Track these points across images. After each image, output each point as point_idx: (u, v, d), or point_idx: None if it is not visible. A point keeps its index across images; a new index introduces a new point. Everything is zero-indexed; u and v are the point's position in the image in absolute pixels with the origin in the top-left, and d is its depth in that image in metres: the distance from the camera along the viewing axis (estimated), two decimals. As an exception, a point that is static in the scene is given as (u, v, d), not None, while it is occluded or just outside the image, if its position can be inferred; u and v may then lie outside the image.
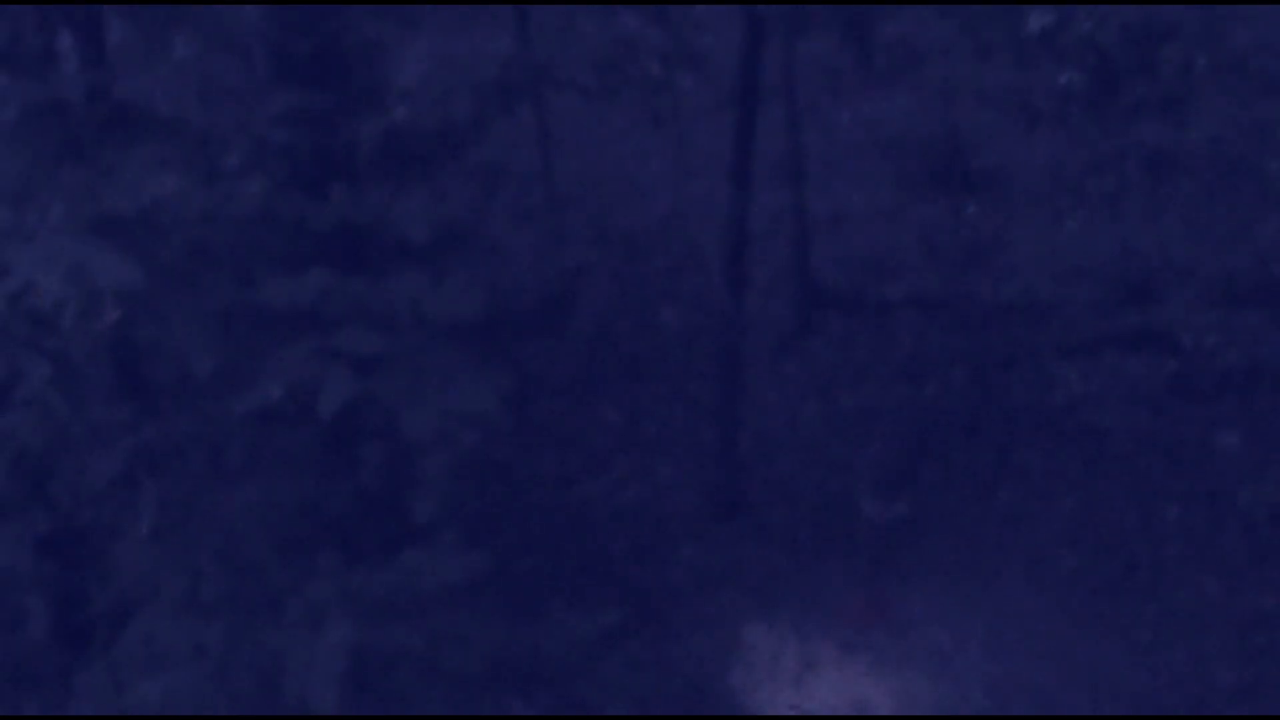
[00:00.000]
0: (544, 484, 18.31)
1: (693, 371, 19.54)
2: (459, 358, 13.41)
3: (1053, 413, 18.50)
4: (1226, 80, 17.86)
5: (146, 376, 14.15)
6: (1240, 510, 17.25)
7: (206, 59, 14.27)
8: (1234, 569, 16.75)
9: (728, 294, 17.28)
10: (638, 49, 20.32)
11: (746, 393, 18.62)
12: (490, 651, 13.77)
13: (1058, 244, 20.18)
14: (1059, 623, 16.38)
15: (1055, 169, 21.70)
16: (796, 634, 16.47)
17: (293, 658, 12.73)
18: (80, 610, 14.64)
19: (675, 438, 18.81)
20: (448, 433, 13.26)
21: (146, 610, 13.26)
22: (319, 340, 13.14)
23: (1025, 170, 21.85)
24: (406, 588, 13.24)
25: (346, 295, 13.24)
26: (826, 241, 21.02)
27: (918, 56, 23.56)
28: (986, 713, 15.60)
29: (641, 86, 20.42)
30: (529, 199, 21.77)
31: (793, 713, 15.79)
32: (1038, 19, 17.07)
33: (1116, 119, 17.79)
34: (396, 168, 14.95)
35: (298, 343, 13.19)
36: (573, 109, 22.66)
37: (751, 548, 17.48)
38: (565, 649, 14.22)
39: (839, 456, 18.38)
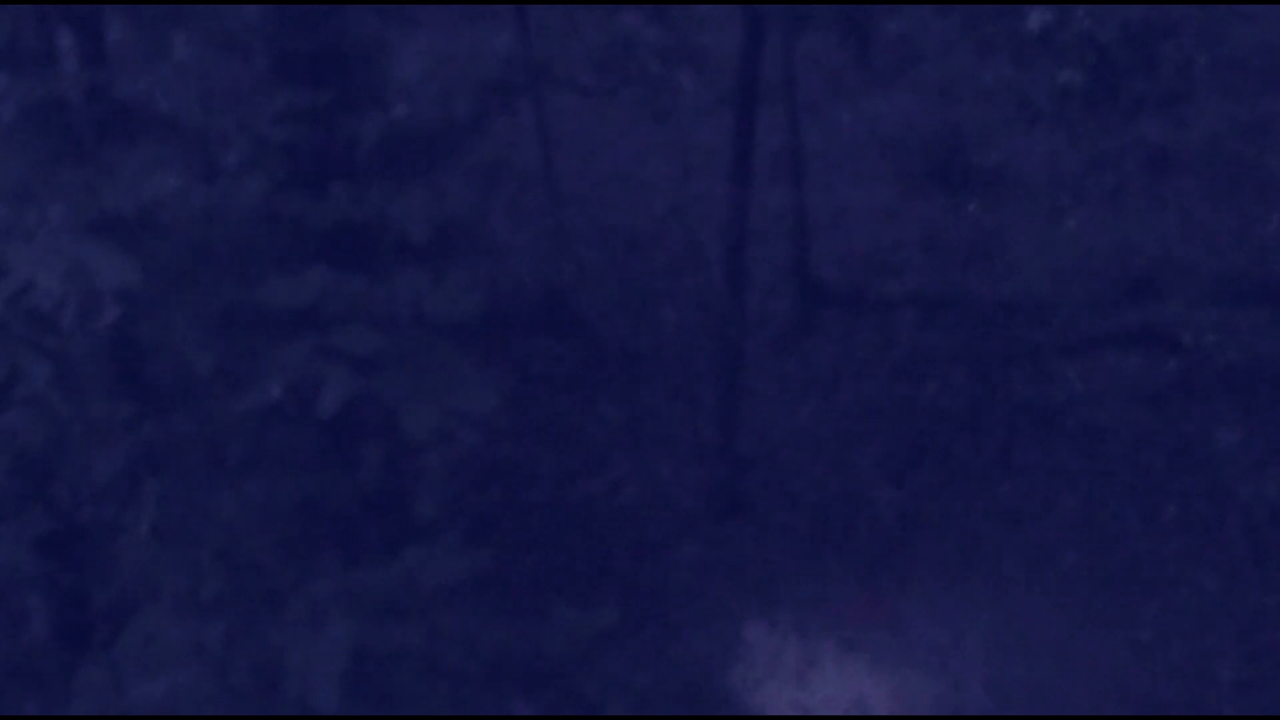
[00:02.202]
0: (544, 482, 18.31)
1: (693, 369, 19.54)
2: (459, 356, 13.40)
3: (1053, 410, 18.51)
4: (1227, 78, 17.89)
5: (147, 375, 14.15)
6: (1241, 508, 17.25)
7: (206, 58, 14.27)
8: (1234, 566, 16.75)
9: (728, 292, 17.28)
10: (638, 47, 20.36)
11: (747, 391, 18.63)
12: (491, 650, 13.77)
13: (1058, 242, 20.19)
14: (1059, 620, 16.38)
15: (1055, 167, 21.70)
16: (797, 632, 16.47)
17: (293, 656, 12.72)
18: (80, 609, 14.64)
19: (675, 436, 18.81)
20: (448, 431, 13.25)
21: (147, 609, 13.25)
22: (319, 339, 13.13)
23: (1025, 168, 21.86)
24: (407, 586, 13.23)
25: (346, 294, 13.23)
26: (826, 239, 21.03)
27: (918, 55, 23.59)
28: (986, 711, 15.61)
29: (641, 84, 20.47)
30: (529, 197, 21.78)
31: (794, 712, 15.79)
32: (1037, 17, 17.08)
33: (1116, 117, 17.80)
34: (396, 166, 14.95)
35: (297, 341, 13.17)
36: (573, 107, 22.68)
37: (752, 545, 17.48)
38: (566, 647, 14.22)
39: (839, 454, 18.38)
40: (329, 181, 13.93)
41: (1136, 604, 16.50)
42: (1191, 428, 18.15)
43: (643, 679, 15.88)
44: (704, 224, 20.71)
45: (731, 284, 17.27)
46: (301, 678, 12.63)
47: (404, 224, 13.59)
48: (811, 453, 18.44)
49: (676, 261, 21.07)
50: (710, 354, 18.84)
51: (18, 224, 12.76)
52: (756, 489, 18.03)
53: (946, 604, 16.64)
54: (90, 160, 13.15)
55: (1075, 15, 16.91)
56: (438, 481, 13.81)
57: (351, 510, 14.09)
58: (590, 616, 14.31)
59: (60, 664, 14.56)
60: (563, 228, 20.86)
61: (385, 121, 14.15)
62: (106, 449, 13.55)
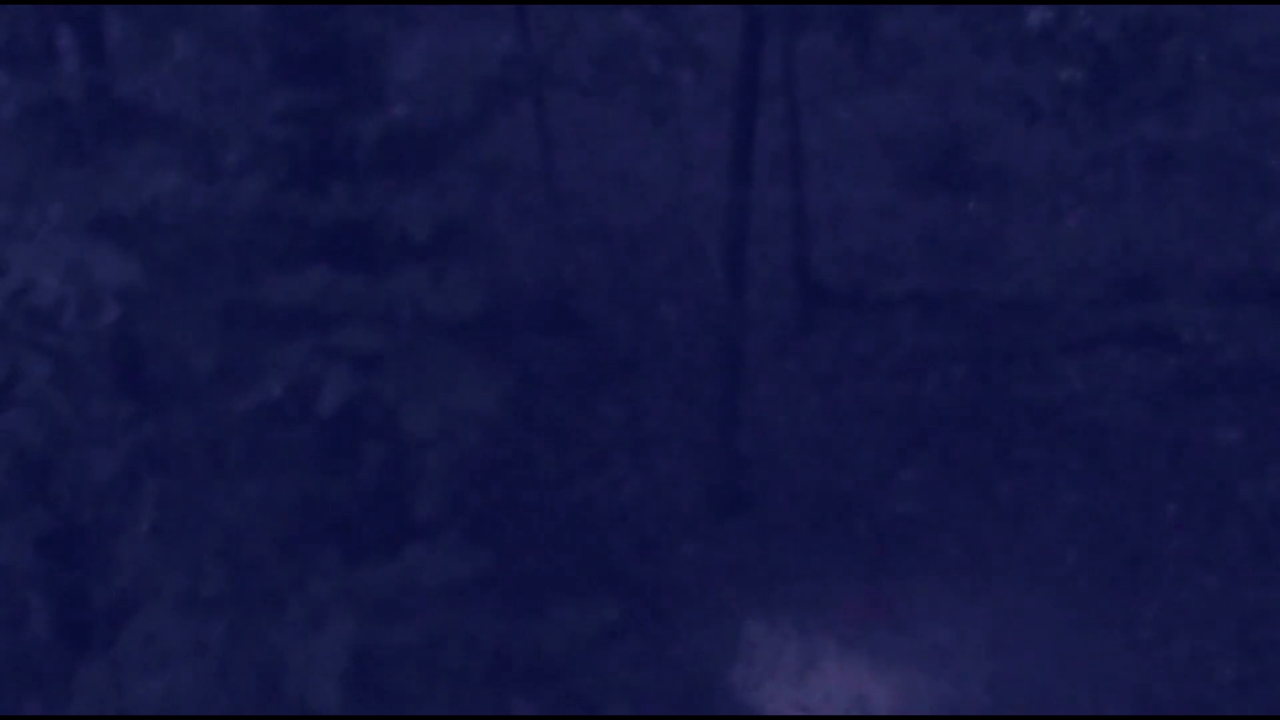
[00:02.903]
0: (545, 481, 18.31)
1: (693, 368, 19.54)
2: (459, 355, 13.41)
3: (1053, 409, 18.51)
4: (1226, 76, 17.90)
5: (147, 374, 14.17)
6: (1241, 506, 17.25)
7: (206, 57, 14.29)
8: (1235, 564, 16.75)
9: (728, 290, 17.29)
10: (637, 46, 20.35)
11: (747, 389, 18.63)
12: (491, 648, 13.78)
13: (1058, 240, 20.20)
14: (1060, 619, 16.38)
15: (1055, 165, 21.71)
16: (798, 630, 16.47)
17: (293, 655, 12.73)
18: (81, 608, 14.65)
19: (676, 434, 18.81)
20: (448, 430, 13.26)
21: (147, 608, 13.26)
22: (319, 338, 13.14)
23: (1025, 167, 21.86)
24: (407, 585, 13.24)
25: (346, 293, 13.25)
26: (827, 238, 21.03)
27: (918, 53, 23.61)
28: (987, 709, 15.61)
29: (641, 83, 20.45)
30: (529, 196, 21.79)
31: (794, 711, 15.79)
32: (1037, 15, 17.10)
33: (1116, 115, 17.81)
34: (396, 165, 14.94)
35: (298, 340, 13.19)
36: (573, 106, 22.68)
37: (752, 544, 17.48)
38: (566, 646, 14.22)
39: (840, 453, 18.38)
40: (329, 181, 13.94)
41: (1137, 603, 16.50)
42: (1192, 426, 18.15)
43: (643, 679, 15.89)
44: (704, 224, 20.71)
45: (731, 283, 17.27)
46: (302, 677, 12.64)
47: (404, 223, 13.60)
48: (812, 451, 18.44)
49: (676, 261, 21.08)
50: (710, 353, 18.85)
51: (18, 224, 12.77)
52: (757, 488, 18.03)
53: (947, 602, 16.64)
54: (90, 160, 13.16)
55: (1076, 14, 16.92)
56: (438, 481, 13.80)
57: (351, 510, 14.10)
58: (590, 615, 14.31)
59: (60, 663, 14.57)
60: (563, 228, 20.87)
61: (385, 121, 14.16)
62: (106, 448, 13.56)
